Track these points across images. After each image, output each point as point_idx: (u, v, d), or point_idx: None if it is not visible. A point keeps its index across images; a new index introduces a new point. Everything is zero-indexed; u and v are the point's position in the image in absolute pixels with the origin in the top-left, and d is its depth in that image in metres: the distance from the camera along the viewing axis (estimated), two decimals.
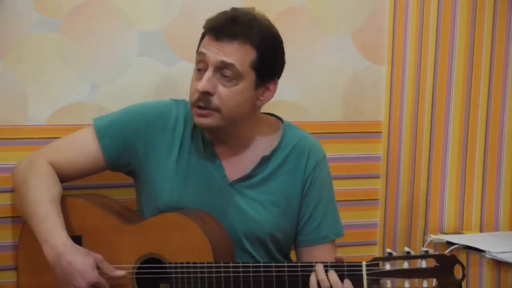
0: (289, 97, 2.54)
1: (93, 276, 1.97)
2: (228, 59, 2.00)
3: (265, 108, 2.32)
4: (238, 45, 2.01)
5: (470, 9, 2.53)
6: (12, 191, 2.19)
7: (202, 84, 2.01)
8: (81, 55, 2.32)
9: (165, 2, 2.39)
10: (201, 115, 2.04)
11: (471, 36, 2.54)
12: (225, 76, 2.02)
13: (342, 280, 1.93)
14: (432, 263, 1.90)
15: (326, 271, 1.94)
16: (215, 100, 2.02)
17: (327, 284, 1.92)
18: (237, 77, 2.02)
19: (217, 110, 2.03)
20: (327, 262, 1.96)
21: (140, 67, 2.37)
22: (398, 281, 1.92)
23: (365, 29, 2.61)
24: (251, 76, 2.04)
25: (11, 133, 2.27)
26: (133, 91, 2.36)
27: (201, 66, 2.04)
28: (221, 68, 2.01)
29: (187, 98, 2.12)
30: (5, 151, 2.25)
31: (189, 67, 2.12)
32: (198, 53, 2.06)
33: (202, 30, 2.08)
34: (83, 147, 2.15)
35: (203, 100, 2.03)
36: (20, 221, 2.15)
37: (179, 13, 2.39)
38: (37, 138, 2.28)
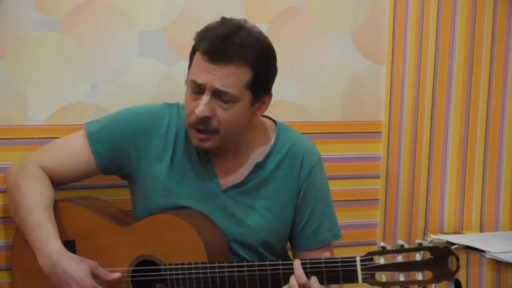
0: (289, 97, 2.54)
1: (88, 282, 1.96)
2: (223, 87, 1.96)
3: None
4: (233, 68, 1.96)
5: (470, 9, 2.53)
6: (5, 191, 2.18)
7: (201, 109, 1.97)
8: (81, 55, 2.32)
9: (165, 2, 2.38)
10: (200, 140, 2.03)
11: (471, 36, 2.54)
12: (222, 100, 1.98)
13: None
14: (427, 255, 1.90)
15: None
16: (214, 123, 2.00)
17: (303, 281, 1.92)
18: (233, 100, 1.99)
19: (216, 131, 2.01)
20: (321, 259, 1.95)
21: (140, 67, 2.37)
22: (393, 275, 1.91)
23: (365, 29, 2.61)
24: (247, 96, 2.01)
25: (11, 133, 2.27)
26: (133, 91, 2.36)
27: (197, 90, 1.99)
28: (217, 93, 1.98)
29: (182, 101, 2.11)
30: (5, 151, 2.25)
31: None
32: (192, 81, 2.00)
33: None
34: (75, 153, 2.13)
35: (201, 124, 2.00)
36: (14, 221, 2.13)
37: (179, 13, 2.39)
38: (37, 138, 2.28)
